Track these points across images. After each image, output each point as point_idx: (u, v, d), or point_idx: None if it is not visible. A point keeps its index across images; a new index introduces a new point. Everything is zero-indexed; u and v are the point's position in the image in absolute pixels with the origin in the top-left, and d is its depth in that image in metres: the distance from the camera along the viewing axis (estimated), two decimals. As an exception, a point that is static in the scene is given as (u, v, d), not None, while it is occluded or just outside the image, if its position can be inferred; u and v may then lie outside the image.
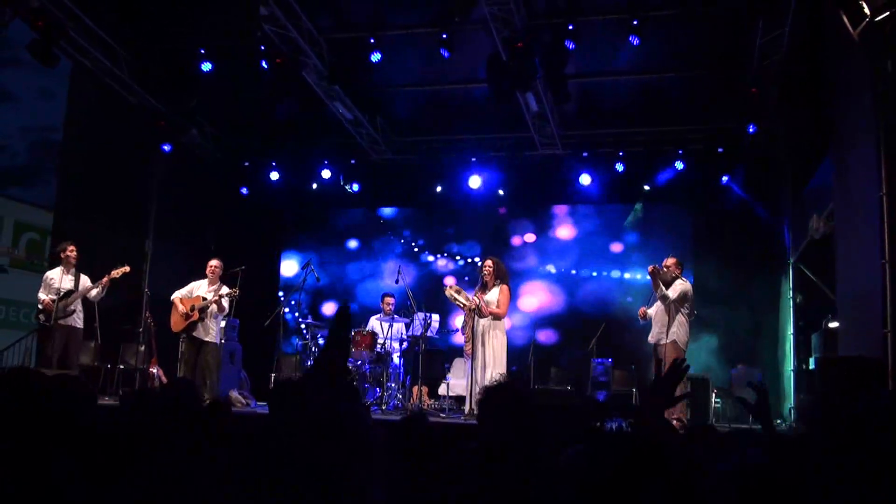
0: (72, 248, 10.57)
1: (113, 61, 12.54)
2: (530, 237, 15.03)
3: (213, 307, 10.78)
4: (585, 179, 13.82)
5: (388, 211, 15.83)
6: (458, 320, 13.18)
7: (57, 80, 13.15)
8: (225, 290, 10.87)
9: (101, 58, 12.38)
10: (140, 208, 14.07)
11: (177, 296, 10.93)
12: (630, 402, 12.10)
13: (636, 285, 13.83)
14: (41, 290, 10.44)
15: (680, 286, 9.64)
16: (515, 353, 12.06)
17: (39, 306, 10.40)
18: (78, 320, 10.51)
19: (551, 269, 14.78)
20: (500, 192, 14.63)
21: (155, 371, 11.78)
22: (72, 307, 10.36)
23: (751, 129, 11.84)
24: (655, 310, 9.85)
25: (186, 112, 13.65)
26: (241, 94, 13.83)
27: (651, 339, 9.88)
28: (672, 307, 9.57)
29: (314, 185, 15.22)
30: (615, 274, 14.41)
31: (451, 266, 15.18)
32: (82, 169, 13.13)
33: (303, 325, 12.62)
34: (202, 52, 12.12)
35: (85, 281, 10.54)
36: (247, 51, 11.69)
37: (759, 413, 3.80)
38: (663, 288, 9.58)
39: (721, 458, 2.91)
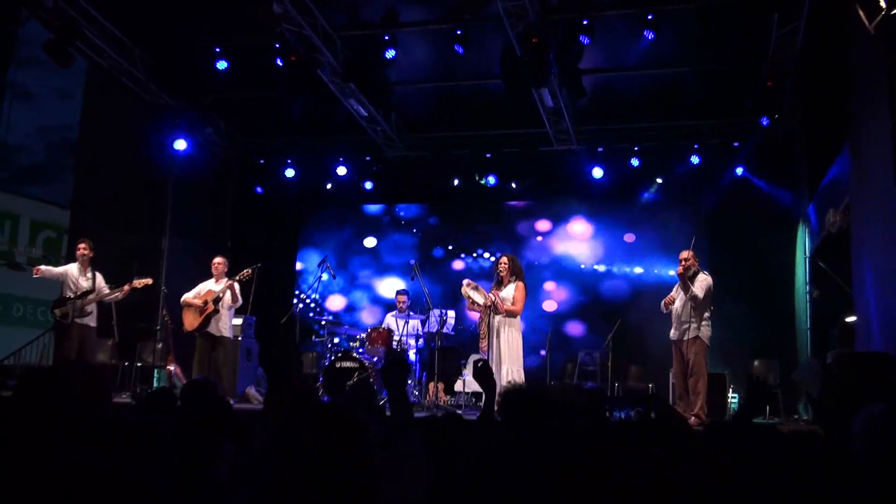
0: (83, 245, 10.57)
1: (129, 60, 12.61)
2: (545, 232, 15.03)
3: (227, 297, 10.82)
4: (599, 173, 13.80)
5: (403, 207, 15.85)
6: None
7: (74, 80, 13.25)
8: (231, 280, 10.91)
9: (117, 57, 12.44)
10: (156, 206, 14.14)
11: (186, 297, 10.99)
12: (646, 394, 12.10)
13: (652, 279, 13.81)
14: (56, 273, 10.52)
15: (704, 281, 9.58)
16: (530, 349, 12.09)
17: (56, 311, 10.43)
18: (92, 320, 10.55)
19: (567, 264, 14.78)
20: (516, 187, 14.63)
21: (172, 369, 11.84)
22: (88, 308, 10.40)
23: (764, 122, 11.78)
24: (677, 305, 9.77)
25: (202, 110, 13.70)
26: (256, 93, 13.89)
27: (673, 335, 9.81)
28: (698, 303, 9.53)
29: (329, 183, 15.27)
30: (631, 269, 14.39)
31: (466, 262, 15.19)
32: (98, 167, 13.21)
33: (322, 322, 12.62)
34: (218, 50, 12.17)
35: (100, 280, 10.56)
36: (262, 49, 11.72)
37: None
38: (693, 289, 9.53)
39: (739, 453, 2.92)
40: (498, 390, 8.94)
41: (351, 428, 2.02)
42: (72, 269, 10.53)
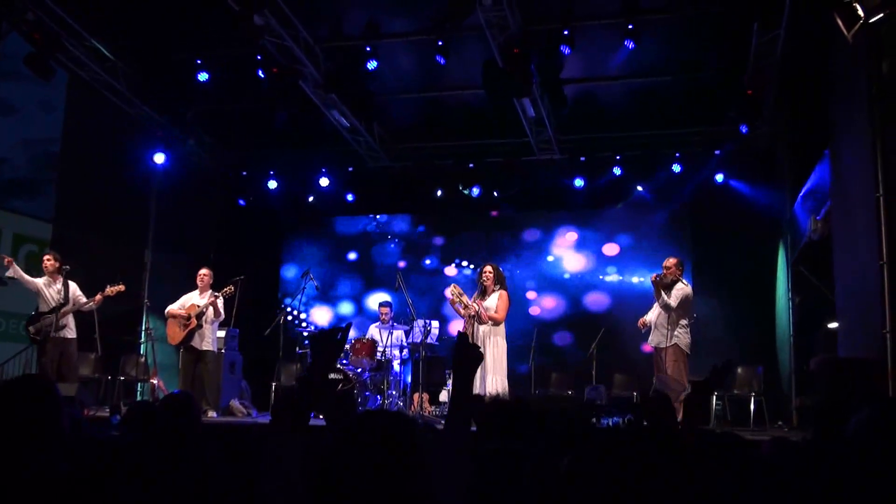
0: (47, 257, 10.46)
1: (110, 73, 12.56)
2: (529, 241, 15.03)
3: (210, 312, 10.80)
4: (581, 182, 13.84)
5: (386, 218, 15.82)
6: (453, 326, 13.24)
7: (57, 93, 13.18)
8: (214, 295, 10.87)
9: (99, 69, 12.40)
10: (139, 219, 14.10)
11: (171, 308, 10.94)
12: (631, 402, 12.13)
13: (636, 288, 13.85)
14: (28, 281, 10.39)
15: (681, 291, 9.61)
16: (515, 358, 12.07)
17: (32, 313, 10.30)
18: (70, 331, 10.45)
19: (551, 272, 14.79)
20: (499, 198, 14.62)
21: (155, 382, 11.78)
22: (63, 321, 10.28)
23: (743, 130, 11.83)
24: (655, 314, 9.83)
25: (184, 122, 13.67)
26: (238, 104, 13.86)
27: (651, 343, 9.86)
28: (672, 311, 9.56)
29: (312, 194, 15.24)
30: (614, 278, 14.41)
31: (449, 272, 15.16)
32: (81, 180, 13.15)
33: (304, 334, 12.61)
34: (199, 62, 12.14)
35: (74, 290, 10.45)
36: (244, 61, 11.70)
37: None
38: (665, 297, 9.56)
39: (723, 460, 2.92)
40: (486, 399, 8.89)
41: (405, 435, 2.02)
42: (41, 283, 10.44)
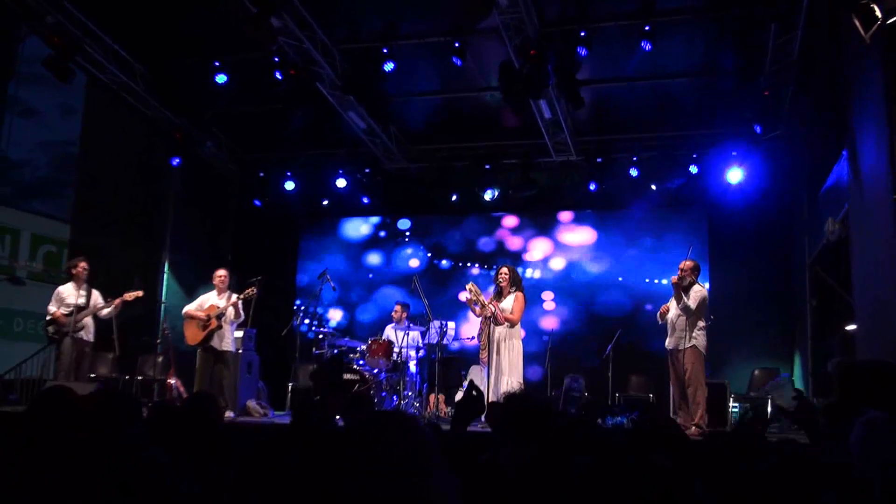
0: (83, 264, 10.56)
1: (128, 75, 12.64)
2: (545, 244, 15.02)
3: (230, 312, 10.81)
4: (598, 184, 13.82)
5: (402, 219, 15.86)
6: (466, 329, 13.25)
7: (76, 95, 13.29)
8: (235, 296, 10.90)
9: (117, 72, 12.48)
10: (156, 220, 14.18)
11: (189, 309, 10.97)
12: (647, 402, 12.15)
13: (652, 290, 13.81)
14: (52, 303, 10.42)
15: (698, 293, 9.60)
16: (530, 361, 12.09)
17: (48, 317, 10.37)
18: (88, 334, 10.52)
19: (567, 274, 14.77)
20: (515, 199, 14.61)
21: (173, 382, 11.84)
22: (81, 323, 10.35)
23: (757, 130, 11.80)
24: (672, 315, 9.81)
25: (202, 124, 13.73)
26: (256, 106, 13.91)
27: (669, 345, 9.82)
28: (692, 314, 9.54)
29: (329, 195, 15.29)
30: (631, 279, 14.37)
31: (466, 274, 15.16)
32: (99, 182, 13.24)
33: (320, 335, 12.62)
34: (217, 64, 12.19)
35: (96, 297, 10.53)
36: (261, 62, 11.75)
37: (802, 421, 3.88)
38: (686, 299, 9.55)
39: (739, 463, 2.93)
40: (498, 399, 8.90)
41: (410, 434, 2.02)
42: (66, 288, 10.50)
